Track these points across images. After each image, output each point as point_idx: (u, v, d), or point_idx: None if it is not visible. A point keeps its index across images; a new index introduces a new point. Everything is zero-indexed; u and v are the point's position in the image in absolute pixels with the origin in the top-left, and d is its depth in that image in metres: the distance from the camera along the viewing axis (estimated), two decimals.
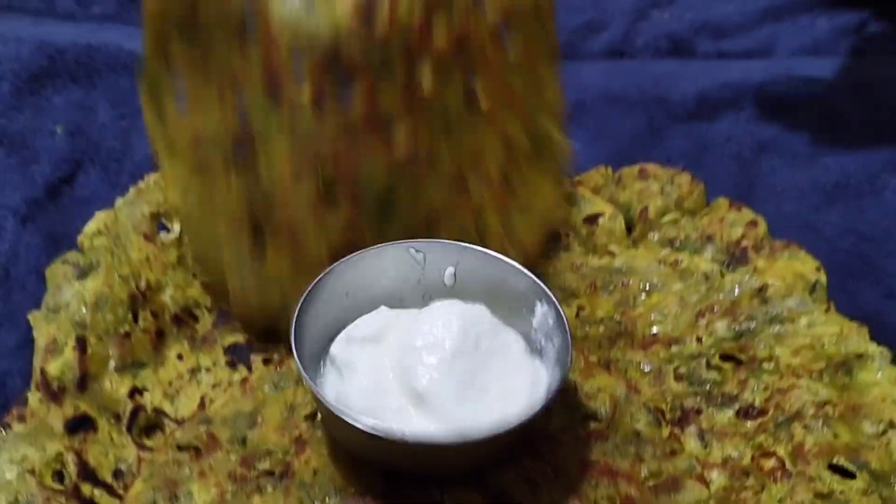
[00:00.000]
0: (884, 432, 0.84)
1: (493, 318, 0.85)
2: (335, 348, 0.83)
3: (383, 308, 0.86)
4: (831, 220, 1.13)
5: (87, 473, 0.79)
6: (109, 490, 0.79)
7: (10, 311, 0.93)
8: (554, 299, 0.84)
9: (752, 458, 0.84)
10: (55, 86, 1.17)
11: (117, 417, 0.84)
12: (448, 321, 0.82)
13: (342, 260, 0.86)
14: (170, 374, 0.88)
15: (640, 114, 1.24)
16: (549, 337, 0.85)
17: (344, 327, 0.85)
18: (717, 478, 0.83)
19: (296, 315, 0.80)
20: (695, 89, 1.27)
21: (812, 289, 0.97)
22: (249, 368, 0.90)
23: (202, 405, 0.86)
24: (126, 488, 0.79)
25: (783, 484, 0.82)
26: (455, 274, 0.89)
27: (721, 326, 0.93)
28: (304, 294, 0.83)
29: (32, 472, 0.78)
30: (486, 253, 0.88)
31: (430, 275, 0.89)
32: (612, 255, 1.02)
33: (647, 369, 0.91)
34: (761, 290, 0.95)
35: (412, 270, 0.89)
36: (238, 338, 0.92)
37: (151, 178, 0.98)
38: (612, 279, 0.99)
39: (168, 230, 0.96)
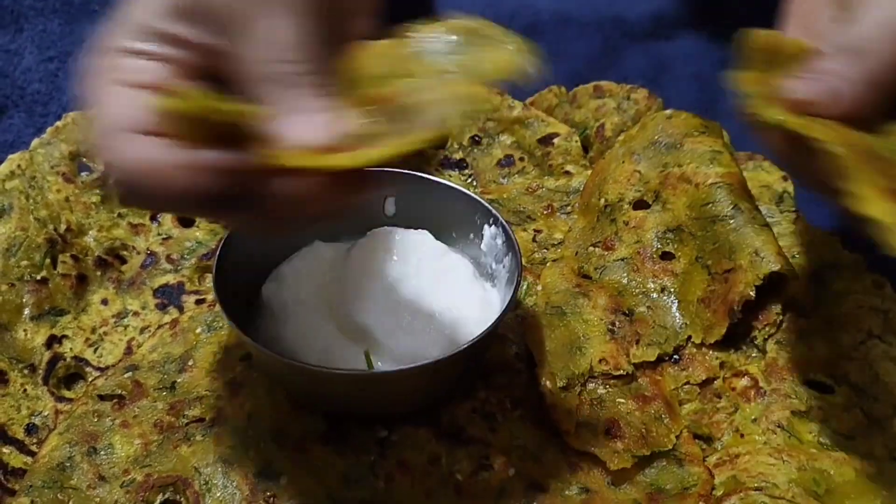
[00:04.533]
0: (862, 342, 0.73)
1: (436, 242, 0.74)
2: (266, 289, 0.73)
3: (317, 242, 0.75)
4: None
5: None
6: (20, 447, 0.68)
7: None
8: (501, 220, 0.73)
9: (724, 379, 0.73)
10: None
11: (32, 368, 0.73)
12: (387, 249, 0.72)
13: None
14: (93, 320, 0.77)
15: (595, 34, 1.12)
16: (499, 259, 0.74)
17: (275, 261, 0.74)
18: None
19: (218, 255, 0.69)
20: (651, 8, 1.15)
21: (779, 199, 0.87)
22: (181, 310, 0.78)
23: (128, 351, 0.75)
24: (40, 444, 0.68)
25: (757, 403, 0.71)
26: (395, 203, 0.78)
27: None
28: (228, 232, 0.71)
29: None
30: (428, 178, 0.78)
31: (368, 206, 0.78)
32: (568, 175, 0.91)
33: None
34: None
35: None
36: (169, 278, 0.80)
37: (70, 115, 0.86)
38: (570, 200, 0.88)
39: (89, 170, 0.84)
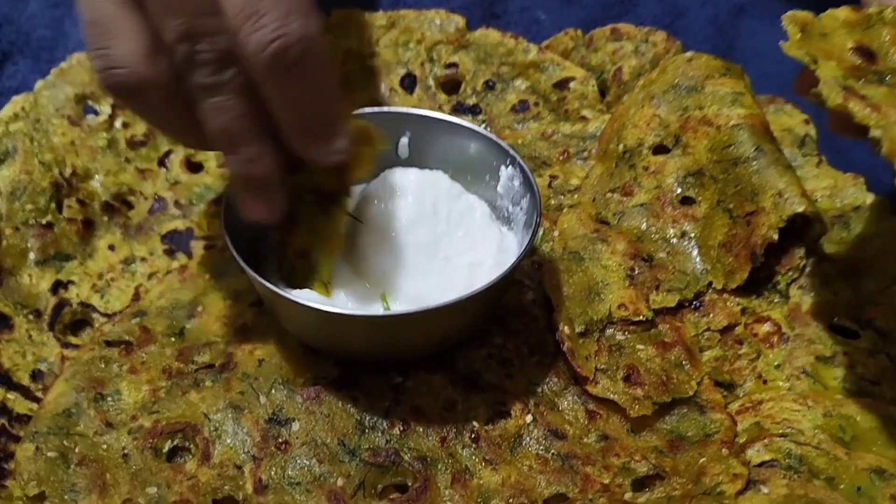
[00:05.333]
0: (888, 287, 0.70)
1: (452, 182, 0.71)
2: (277, 232, 0.69)
3: None
4: None
5: (0, 376, 0.65)
6: (25, 393, 0.65)
7: None
8: (519, 160, 0.70)
9: (745, 325, 0.70)
10: None
11: (37, 314, 0.70)
12: (401, 189, 0.68)
13: None
14: (99, 265, 0.74)
15: None
16: (516, 201, 0.71)
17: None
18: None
19: (226, 200, 0.66)
20: None
21: (801, 142, 0.83)
22: (190, 256, 0.75)
23: (136, 297, 0.72)
24: (46, 390, 0.65)
25: (780, 349, 0.68)
26: (409, 144, 0.74)
27: None
28: None
29: None
30: (442, 118, 0.74)
31: None
32: (585, 120, 0.87)
33: None
34: None
35: None
36: (177, 224, 0.77)
37: (76, 57, 0.82)
38: (586, 145, 0.84)
39: (96, 112, 0.81)
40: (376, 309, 0.64)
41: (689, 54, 0.83)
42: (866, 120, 0.52)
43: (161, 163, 0.80)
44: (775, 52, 1.07)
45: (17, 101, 0.78)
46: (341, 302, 0.64)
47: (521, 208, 0.70)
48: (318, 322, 0.63)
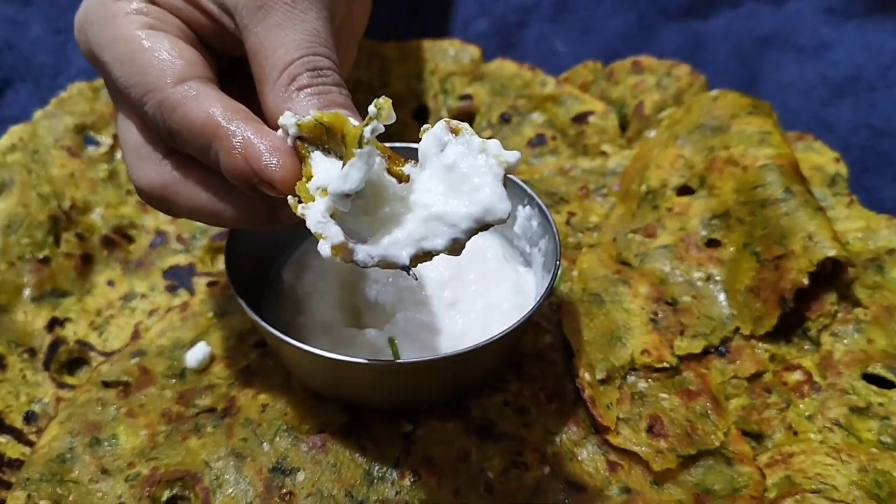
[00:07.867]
0: None
1: None
2: (287, 274, 0.68)
3: None
4: (843, 115, 0.97)
5: None
6: (17, 436, 0.64)
7: None
8: (537, 199, 0.69)
9: (774, 373, 0.69)
10: None
11: (32, 352, 0.69)
12: None
13: None
14: (98, 302, 0.73)
15: (629, 11, 1.07)
16: (533, 242, 0.70)
17: (292, 244, 0.70)
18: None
19: (229, 236, 0.65)
20: None
21: (832, 182, 0.82)
22: (191, 292, 0.74)
23: (135, 335, 0.71)
24: (39, 433, 0.64)
25: (812, 399, 0.67)
26: None
27: None
28: None
29: None
30: None
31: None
32: (605, 155, 0.86)
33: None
34: None
35: None
36: (179, 259, 0.76)
37: (76, 86, 0.82)
38: (606, 181, 0.84)
39: (97, 143, 0.80)
40: (385, 355, 0.62)
41: (714, 92, 0.83)
42: None
43: None
44: (800, 84, 1.07)
45: (15, 132, 0.78)
46: (348, 346, 0.63)
47: (539, 249, 0.69)
48: (324, 369, 0.62)
